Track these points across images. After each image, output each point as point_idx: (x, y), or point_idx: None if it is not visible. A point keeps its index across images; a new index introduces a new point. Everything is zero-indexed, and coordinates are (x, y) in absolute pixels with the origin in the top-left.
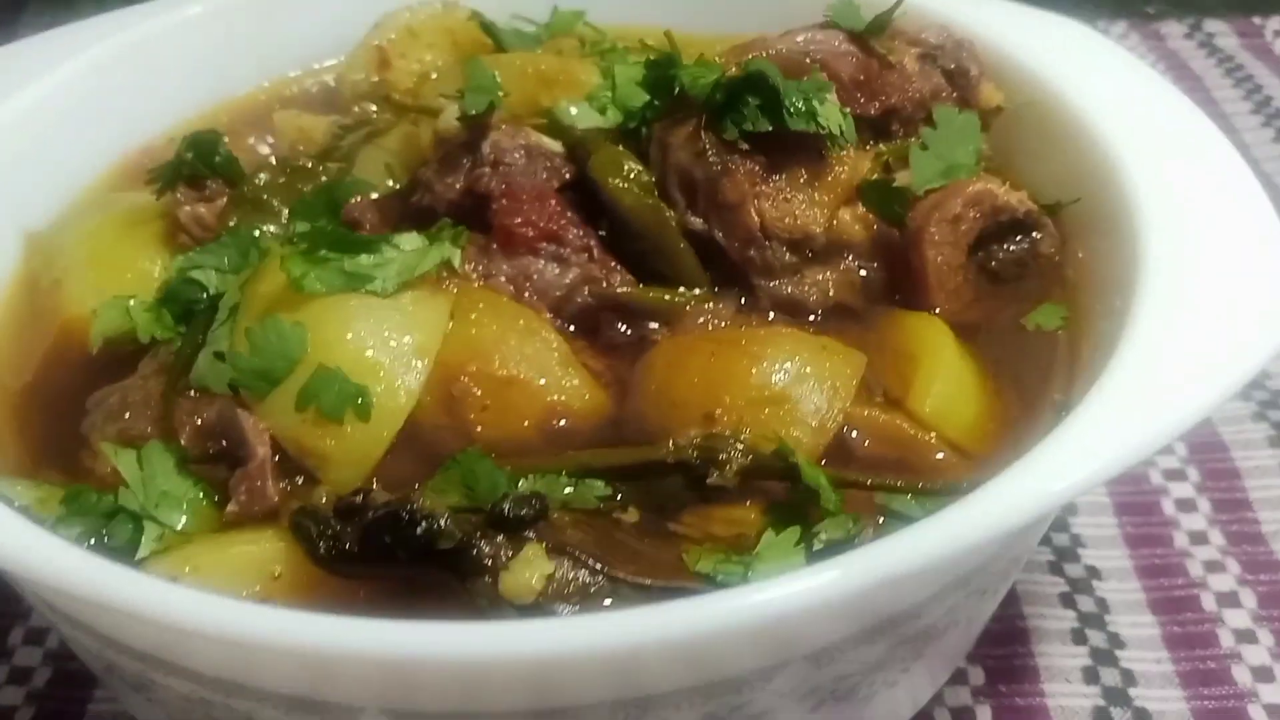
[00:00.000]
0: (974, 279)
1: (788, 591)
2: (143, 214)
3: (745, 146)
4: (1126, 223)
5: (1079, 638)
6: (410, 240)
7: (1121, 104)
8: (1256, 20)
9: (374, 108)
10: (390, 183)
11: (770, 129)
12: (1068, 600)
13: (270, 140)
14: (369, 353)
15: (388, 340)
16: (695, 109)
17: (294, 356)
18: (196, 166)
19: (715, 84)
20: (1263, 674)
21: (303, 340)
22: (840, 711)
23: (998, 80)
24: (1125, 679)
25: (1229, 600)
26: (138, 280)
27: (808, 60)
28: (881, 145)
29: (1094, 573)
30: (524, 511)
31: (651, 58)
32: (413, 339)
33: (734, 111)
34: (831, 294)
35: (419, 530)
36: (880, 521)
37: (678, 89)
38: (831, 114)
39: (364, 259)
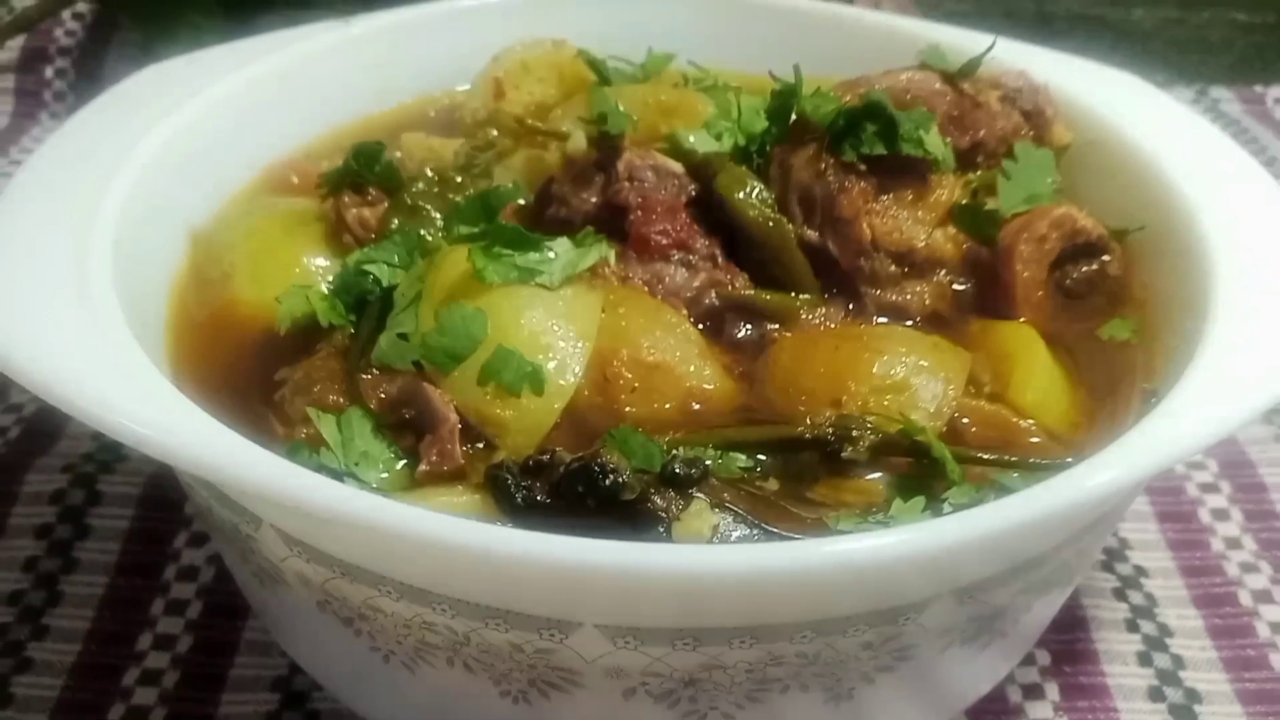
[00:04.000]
0: (1052, 295)
1: (963, 525)
2: (303, 216)
3: (862, 168)
4: (1194, 247)
5: (1132, 626)
6: (563, 244)
7: (1173, 142)
8: (1258, 89)
9: (494, 132)
10: (519, 201)
11: (885, 153)
12: (1120, 594)
13: (398, 156)
14: (541, 336)
15: (554, 326)
16: (816, 134)
17: (477, 337)
18: (361, 173)
19: (838, 111)
20: None
21: (484, 324)
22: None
23: (1066, 121)
24: (1175, 663)
25: (1264, 597)
26: (304, 274)
27: (908, 96)
28: (969, 174)
29: (1141, 571)
30: (692, 471)
31: (775, 89)
32: (576, 326)
33: (853, 136)
34: (928, 303)
35: (608, 482)
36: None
37: (796, 116)
38: (935, 142)
39: (533, 255)
